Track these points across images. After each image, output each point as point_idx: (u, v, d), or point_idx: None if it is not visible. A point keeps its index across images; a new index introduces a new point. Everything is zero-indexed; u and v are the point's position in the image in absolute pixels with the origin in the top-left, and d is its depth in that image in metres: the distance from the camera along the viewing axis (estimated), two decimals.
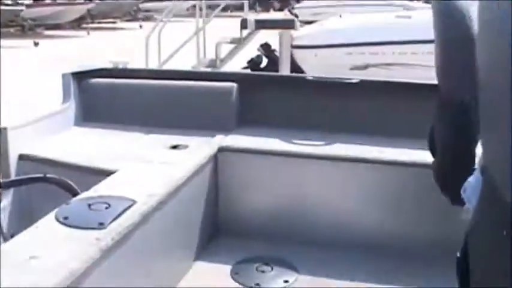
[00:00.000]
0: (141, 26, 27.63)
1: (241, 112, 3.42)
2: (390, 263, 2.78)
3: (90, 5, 25.59)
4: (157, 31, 9.12)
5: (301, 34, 9.53)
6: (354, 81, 3.34)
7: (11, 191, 2.91)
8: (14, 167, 2.97)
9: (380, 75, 8.27)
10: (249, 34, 8.87)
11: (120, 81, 3.60)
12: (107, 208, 2.14)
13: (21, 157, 3.00)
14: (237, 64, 9.57)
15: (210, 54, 9.21)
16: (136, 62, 4.60)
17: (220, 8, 9.28)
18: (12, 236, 2.80)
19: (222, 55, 8.93)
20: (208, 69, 7.26)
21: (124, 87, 3.57)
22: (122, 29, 27.45)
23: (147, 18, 30.34)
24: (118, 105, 3.53)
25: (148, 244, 2.30)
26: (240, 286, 2.63)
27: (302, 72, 9.01)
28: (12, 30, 24.44)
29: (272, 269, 2.76)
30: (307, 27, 10.16)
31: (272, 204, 3.07)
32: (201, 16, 9.23)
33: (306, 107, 3.38)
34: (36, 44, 19.89)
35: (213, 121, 3.36)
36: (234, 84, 3.41)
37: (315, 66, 8.92)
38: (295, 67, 9.03)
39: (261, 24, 8.49)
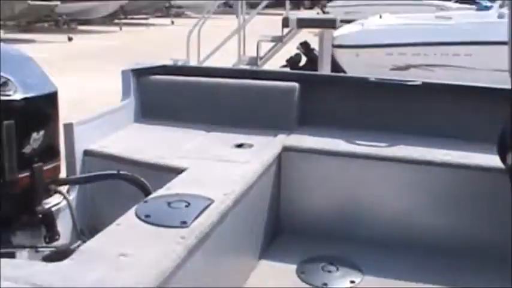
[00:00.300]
0: (172, 22, 27.76)
1: (302, 111, 3.40)
2: (456, 266, 2.75)
3: (123, 1, 25.68)
4: (197, 28, 9.11)
5: (343, 33, 9.48)
6: (416, 83, 3.30)
7: (76, 186, 2.92)
8: (79, 162, 2.97)
9: (421, 76, 8.19)
10: (289, 32, 8.84)
11: (179, 78, 3.60)
12: (186, 206, 2.14)
13: (86, 153, 3.00)
14: (276, 62, 9.55)
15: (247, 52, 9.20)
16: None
17: (262, 5, 9.25)
18: (81, 231, 2.84)
19: (261, 53, 8.91)
20: (270, 68, 7.22)
21: (183, 85, 3.57)
22: (153, 24, 27.54)
23: (178, 15, 30.45)
24: (177, 103, 3.53)
25: (222, 243, 2.29)
26: (308, 286, 2.62)
27: (342, 71, 8.96)
28: (46, 24, 24.66)
29: (338, 269, 2.74)
30: (347, 26, 10.08)
31: (334, 204, 3.05)
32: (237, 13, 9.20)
33: (368, 107, 3.35)
34: (70, 39, 20.02)
35: (274, 120, 3.35)
36: (296, 84, 3.39)
37: (355, 65, 8.87)
38: (335, 66, 8.99)
39: (303, 23, 8.46)
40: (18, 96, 2.18)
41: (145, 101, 3.54)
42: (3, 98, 2.14)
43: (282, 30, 8.57)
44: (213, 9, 9.38)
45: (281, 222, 3.09)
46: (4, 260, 1.81)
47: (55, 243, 2.51)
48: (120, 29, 24.53)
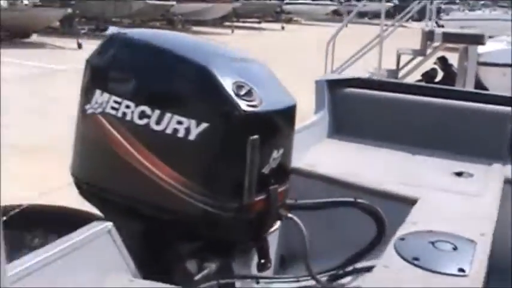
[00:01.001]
0: (283, 28, 27.71)
1: None
2: None
3: (236, 4, 25.80)
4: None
5: (489, 51, 8.95)
6: None
7: None
8: None
9: None
10: (430, 46, 8.42)
11: (377, 93, 3.30)
12: (454, 249, 1.84)
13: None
14: (409, 76, 9.14)
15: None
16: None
17: (406, 18, 8.87)
18: (282, 258, 2.57)
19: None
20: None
21: (381, 101, 3.27)
22: (264, 29, 27.56)
23: (287, 20, 30.38)
24: (373, 119, 3.23)
25: None
26: None
27: (484, 90, 8.48)
28: (158, 23, 25.03)
29: None
30: (491, 43, 9.54)
31: None
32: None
33: None
34: None
35: (484, 147, 3.01)
36: (510, 109, 3.04)
37: (500, 85, 8.30)
38: (474, 83, 8.50)
39: (448, 38, 8.03)
40: (262, 108, 1.91)
41: (339, 115, 3.27)
42: (249, 109, 1.86)
43: (425, 44, 8.14)
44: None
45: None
46: None
47: (264, 273, 2.22)
48: (232, 31, 24.61)
